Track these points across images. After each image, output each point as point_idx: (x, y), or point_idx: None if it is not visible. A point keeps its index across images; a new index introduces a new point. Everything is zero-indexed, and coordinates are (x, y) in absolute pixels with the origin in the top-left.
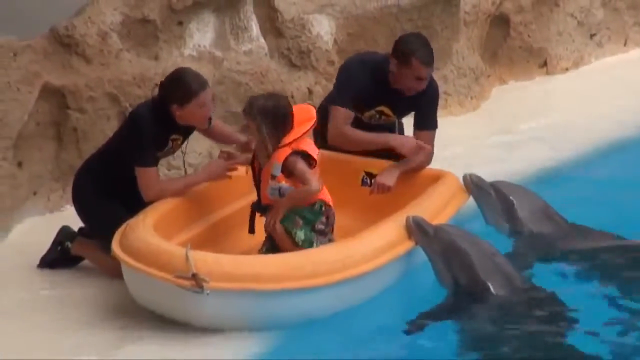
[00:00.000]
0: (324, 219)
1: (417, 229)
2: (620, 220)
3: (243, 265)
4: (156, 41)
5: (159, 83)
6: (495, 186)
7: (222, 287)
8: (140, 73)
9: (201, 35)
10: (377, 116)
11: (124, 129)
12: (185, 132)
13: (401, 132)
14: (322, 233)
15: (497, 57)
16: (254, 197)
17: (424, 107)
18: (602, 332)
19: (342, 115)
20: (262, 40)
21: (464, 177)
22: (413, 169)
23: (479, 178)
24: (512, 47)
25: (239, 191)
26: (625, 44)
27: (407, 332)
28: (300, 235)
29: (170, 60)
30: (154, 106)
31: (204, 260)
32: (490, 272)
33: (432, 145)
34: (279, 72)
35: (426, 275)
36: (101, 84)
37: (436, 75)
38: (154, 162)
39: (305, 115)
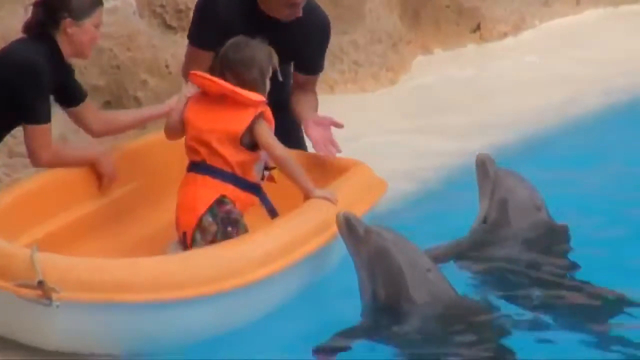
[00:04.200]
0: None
1: (346, 227)
2: (569, 204)
3: (104, 271)
4: None
5: (33, 3)
6: (498, 173)
7: (75, 299)
8: None
9: None
10: None
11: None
12: (62, 82)
13: (287, 84)
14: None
15: (420, 20)
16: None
17: (311, 44)
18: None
19: (189, 60)
20: None
21: (477, 157)
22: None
23: (491, 160)
24: (438, 6)
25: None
26: (578, 3)
27: (316, 355)
28: None
29: (15, 19)
30: (38, 42)
31: (55, 265)
32: (420, 288)
33: (315, 91)
34: (150, 36)
35: (334, 284)
36: None
37: (344, 40)
38: (50, 118)
39: None
